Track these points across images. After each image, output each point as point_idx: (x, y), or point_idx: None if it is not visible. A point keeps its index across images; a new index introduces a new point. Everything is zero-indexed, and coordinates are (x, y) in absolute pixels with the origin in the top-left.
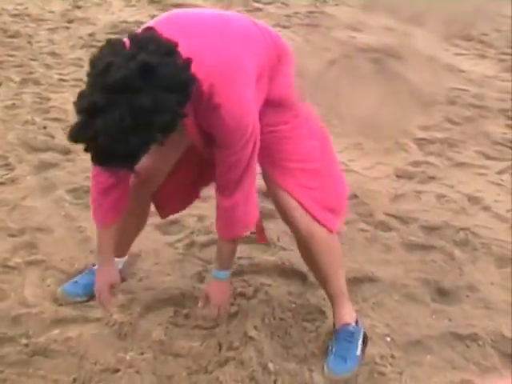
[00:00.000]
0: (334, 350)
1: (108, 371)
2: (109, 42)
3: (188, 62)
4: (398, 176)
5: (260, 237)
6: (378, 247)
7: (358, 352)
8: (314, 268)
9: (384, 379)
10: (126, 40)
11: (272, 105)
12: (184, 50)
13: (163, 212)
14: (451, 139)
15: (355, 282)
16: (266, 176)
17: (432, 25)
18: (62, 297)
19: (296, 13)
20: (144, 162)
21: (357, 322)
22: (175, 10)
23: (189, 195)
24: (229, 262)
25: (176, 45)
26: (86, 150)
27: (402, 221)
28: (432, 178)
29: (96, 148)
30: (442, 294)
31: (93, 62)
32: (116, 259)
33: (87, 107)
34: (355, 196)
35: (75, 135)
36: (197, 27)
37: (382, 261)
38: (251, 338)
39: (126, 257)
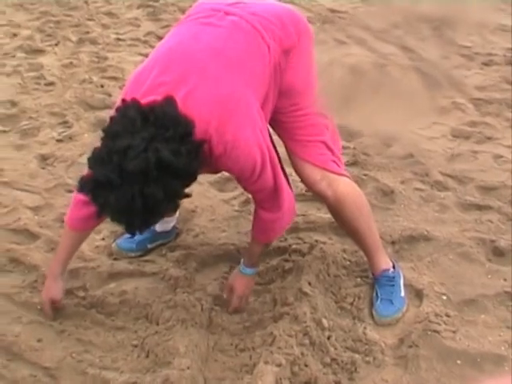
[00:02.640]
0: (378, 295)
1: (163, 324)
2: (125, 113)
3: (201, 144)
4: (454, 136)
5: None
6: (434, 206)
7: (402, 293)
8: (349, 229)
9: (438, 337)
10: (144, 111)
11: (284, 93)
12: (182, 103)
13: None
14: (509, 100)
15: (410, 240)
16: (288, 151)
17: None
18: (117, 251)
19: None
20: None
21: (394, 267)
22: (169, 41)
23: None
24: (257, 261)
25: (193, 126)
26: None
27: (458, 180)
28: (489, 138)
29: (101, 211)
30: (498, 253)
31: (110, 133)
32: (166, 218)
33: (102, 181)
34: (411, 155)
35: (84, 192)
36: (191, 66)
37: (437, 220)
38: (305, 293)
39: (177, 214)
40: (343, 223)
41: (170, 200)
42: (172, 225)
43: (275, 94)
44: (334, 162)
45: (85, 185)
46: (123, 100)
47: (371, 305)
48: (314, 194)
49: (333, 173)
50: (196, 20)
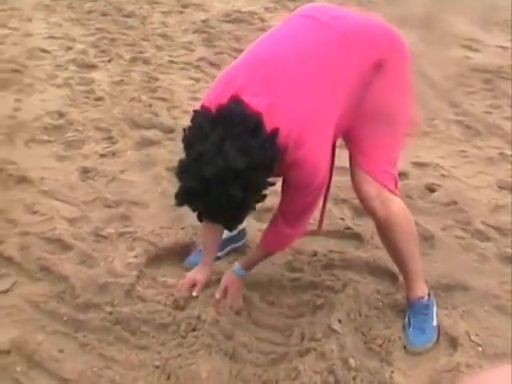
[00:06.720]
0: (411, 323)
1: (187, 347)
2: (194, 121)
3: (273, 135)
4: (499, 187)
5: (319, 225)
6: (473, 256)
7: (435, 323)
8: (392, 248)
9: None
10: (212, 114)
11: (366, 113)
12: (265, 109)
13: None
14: None
15: (447, 288)
16: (351, 159)
17: None
18: (190, 267)
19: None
20: None
21: (429, 295)
22: (254, 50)
23: None
24: (254, 266)
25: (261, 117)
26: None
27: (500, 232)
28: None
29: (199, 217)
30: None
31: (185, 143)
32: None
33: (189, 191)
34: (454, 202)
35: (179, 204)
36: (276, 74)
37: (475, 270)
38: (334, 331)
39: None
40: (389, 243)
41: (255, 192)
42: (240, 228)
43: (354, 110)
44: (393, 180)
45: (178, 197)
46: (194, 111)
47: (405, 355)
48: (365, 209)
49: (389, 191)
50: (298, 19)
